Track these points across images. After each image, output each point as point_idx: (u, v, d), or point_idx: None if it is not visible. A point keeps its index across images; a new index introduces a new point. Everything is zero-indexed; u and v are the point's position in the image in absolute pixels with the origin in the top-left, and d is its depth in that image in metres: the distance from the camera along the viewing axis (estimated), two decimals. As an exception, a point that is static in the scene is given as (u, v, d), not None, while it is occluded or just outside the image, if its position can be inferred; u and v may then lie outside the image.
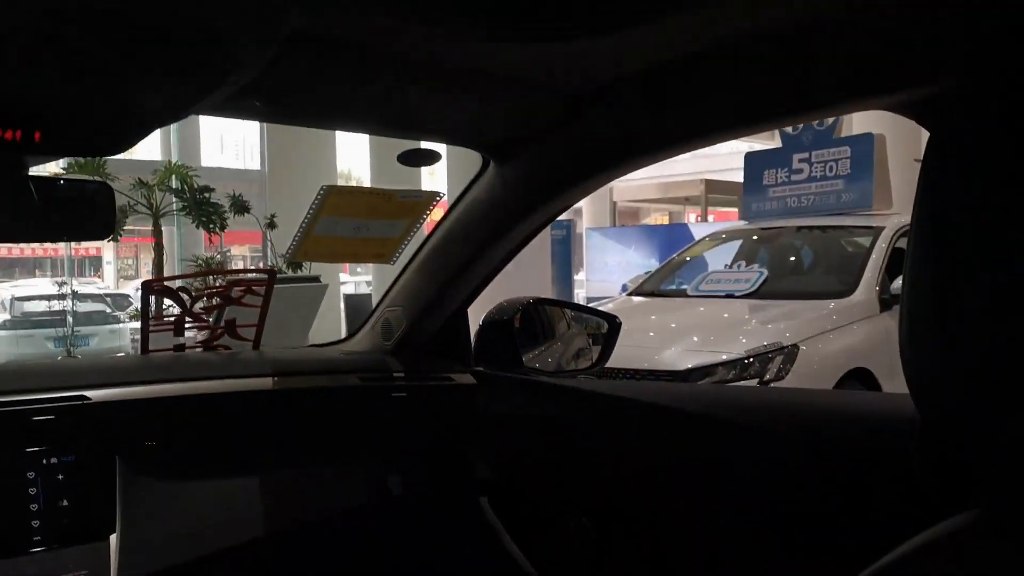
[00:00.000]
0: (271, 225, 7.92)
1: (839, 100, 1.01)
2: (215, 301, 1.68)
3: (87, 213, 1.08)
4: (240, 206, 8.09)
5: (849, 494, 1.10)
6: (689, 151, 1.21)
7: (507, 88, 1.15)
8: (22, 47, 0.77)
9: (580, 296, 12.04)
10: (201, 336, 1.80)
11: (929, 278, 0.61)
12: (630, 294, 6.47)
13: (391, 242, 1.66)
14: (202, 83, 0.89)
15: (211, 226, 8.06)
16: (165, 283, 1.63)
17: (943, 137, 0.69)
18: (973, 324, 0.56)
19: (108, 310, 12.57)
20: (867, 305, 5.16)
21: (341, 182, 16.26)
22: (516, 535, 1.59)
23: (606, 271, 12.42)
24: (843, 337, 4.91)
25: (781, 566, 1.17)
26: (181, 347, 1.66)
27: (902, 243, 5.61)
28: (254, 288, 1.65)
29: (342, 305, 11.18)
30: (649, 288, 6.31)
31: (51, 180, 1.08)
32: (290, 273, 6.97)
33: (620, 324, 2.02)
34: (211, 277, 5.93)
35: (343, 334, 2.06)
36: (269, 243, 8.04)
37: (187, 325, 1.65)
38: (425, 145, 1.38)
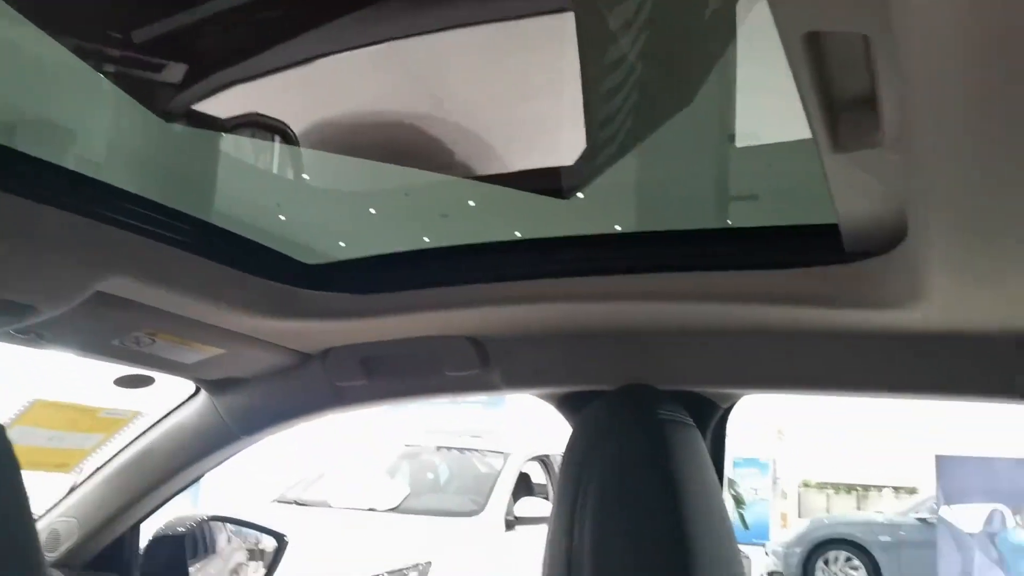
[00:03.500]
0: None
1: (509, 386, 1.35)
2: None
3: None
4: None
5: None
6: (387, 404, 1.48)
7: (242, 342, 1.34)
8: None
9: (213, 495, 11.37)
10: None
11: (563, 543, 0.91)
12: (273, 501, 6.38)
13: (78, 453, 1.69)
14: None
15: None
16: None
17: (582, 424, 1.02)
18: None
19: None
20: (494, 525, 5.61)
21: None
22: None
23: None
24: (472, 555, 5.27)
25: None
26: None
27: (527, 467, 6.27)
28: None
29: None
30: (292, 497, 6.29)
31: None
32: None
33: (287, 542, 2.13)
34: None
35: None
36: None
37: None
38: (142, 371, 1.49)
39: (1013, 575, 7.20)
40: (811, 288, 1.03)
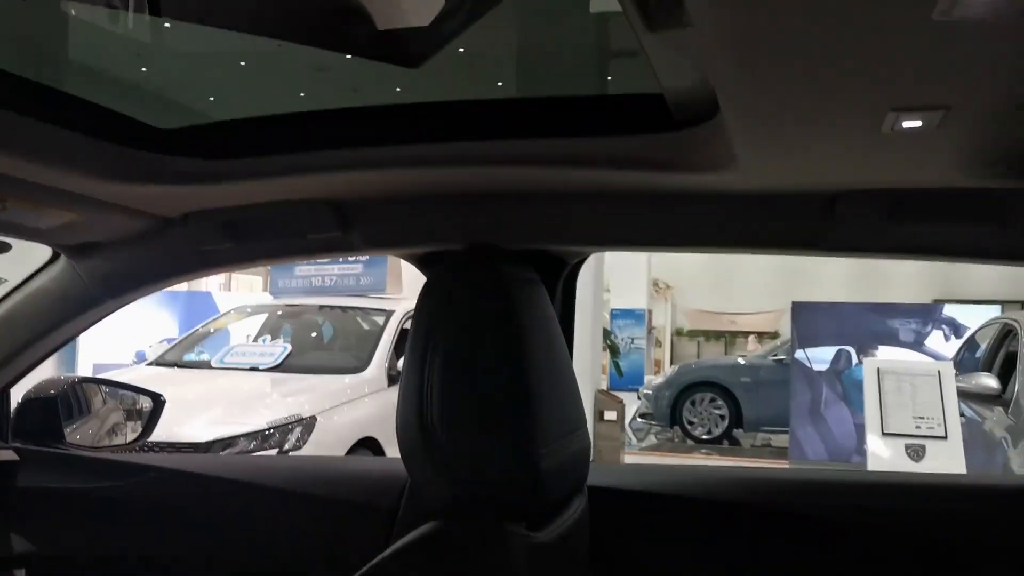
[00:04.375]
0: None
1: (369, 247, 1.41)
2: None
3: None
4: None
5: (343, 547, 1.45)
6: (252, 267, 1.52)
7: (98, 207, 1.34)
8: None
9: (88, 362, 11.16)
10: None
11: (415, 386, 1.00)
12: (150, 364, 6.35)
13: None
14: None
15: None
16: None
17: (433, 280, 1.09)
18: (440, 426, 0.95)
19: None
20: (377, 380, 5.78)
21: None
22: None
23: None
24: (355, 409, 5.44)
25: None
26: None
27: (408, 324, 6.41)
28: None
29: None
30: (171, 359, 6.27)
31: None
32: None
33: (164, 401, 2.18)
34: None
35: None
36: None
37: None
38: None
39: (854, 406, 7.94)
40: (644, 153, 1.11)
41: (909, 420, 5.33)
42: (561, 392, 1.14)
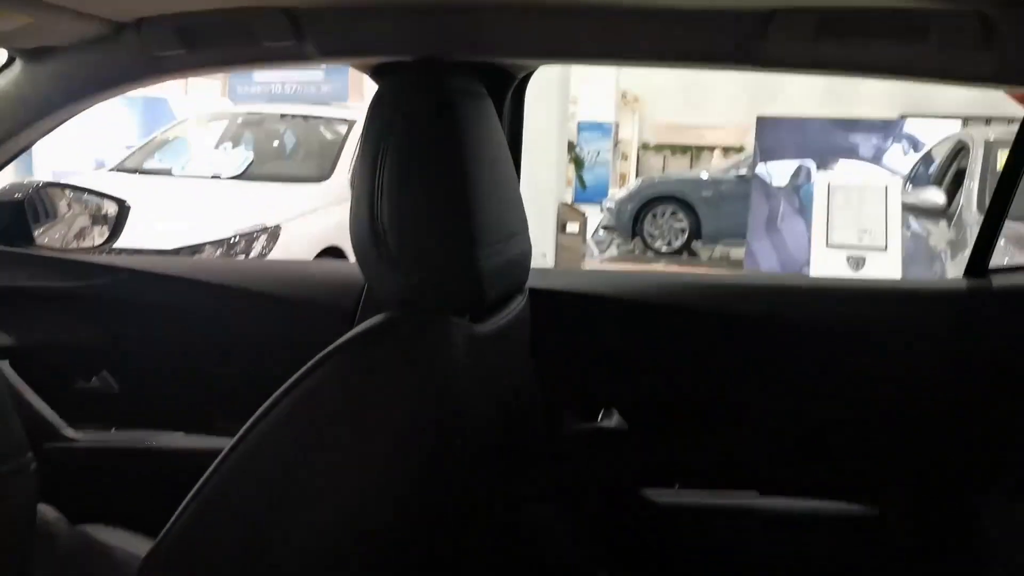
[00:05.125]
0: None
1: (321, 57, 1.44)
2: None
3: None
4: None
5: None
6: (206, 75, 1.54)
7: (48, 10, 1.34)
8: None
9: (46, 168, 10.99)
10: None
11: (367, 192, 1.08)
12: (111, 170, 6.31)
13: None
14: None
15: None
16: None
17: (383, 90, 1.14)
18: (389, 229, 1.03)
19: None
20: (341, 190, 5.81)
21: None
22: (43, 392, 1.81)
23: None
24: (320, 218, 5.51)
25: None
26: None
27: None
28: None
29: None
30: (132, 165, 6.22)
31: None
32: None
33: (129, 207, 2.24)
34: None
35: None
36: None
37: None
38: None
39: (809, 220, 8.16)
40: None
41: (853, 232, 5.54)
42: (503, 199, 1.22)
